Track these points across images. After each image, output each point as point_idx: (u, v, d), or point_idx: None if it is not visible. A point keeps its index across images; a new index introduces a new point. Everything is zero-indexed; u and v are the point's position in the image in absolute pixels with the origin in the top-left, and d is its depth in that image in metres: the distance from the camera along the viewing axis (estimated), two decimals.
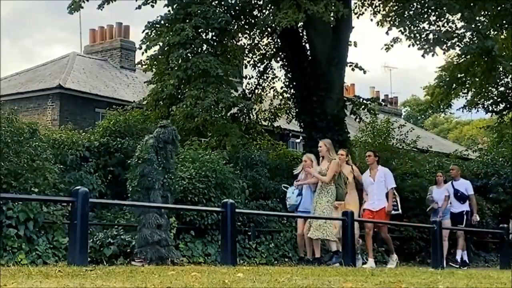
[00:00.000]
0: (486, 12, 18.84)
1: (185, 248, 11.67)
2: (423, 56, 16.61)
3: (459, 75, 22.45)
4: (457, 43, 17.09)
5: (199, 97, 14.66)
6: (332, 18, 15.55)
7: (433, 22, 17.40)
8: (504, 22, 19.77)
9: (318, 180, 10.90)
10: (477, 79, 22.44)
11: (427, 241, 13.53)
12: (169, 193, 10.33)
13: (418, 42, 16.64)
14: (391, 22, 18.51)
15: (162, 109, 15.96)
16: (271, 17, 15.58)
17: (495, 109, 24.01)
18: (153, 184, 10.08)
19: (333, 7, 14.98)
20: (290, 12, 14.71)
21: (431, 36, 16.66)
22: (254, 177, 14.08)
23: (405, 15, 17.38)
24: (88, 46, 26.89)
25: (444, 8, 16.52)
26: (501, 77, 22.69)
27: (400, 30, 17.14)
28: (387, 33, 18.39)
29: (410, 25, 16.82)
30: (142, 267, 6.45)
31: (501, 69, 20.88)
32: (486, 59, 18.58)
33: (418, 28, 16.78)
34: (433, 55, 16.58)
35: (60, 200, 9.92)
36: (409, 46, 16.94)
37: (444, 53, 18.41)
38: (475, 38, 16.72)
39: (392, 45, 18.38)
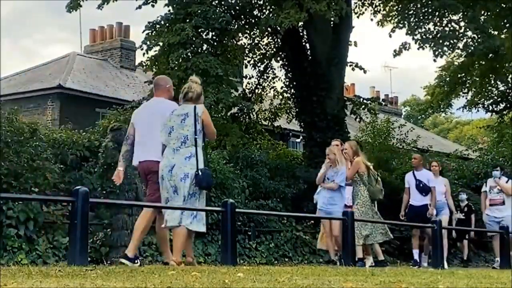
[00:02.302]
0: (487, 12, 18.86)
1: None
2: (434, 60, 16.72)
3: (459, 75, 22.48)
4: (464, 44, 17.16)
5: None
6: (335, 16, 15.50)
7: (437, 24, 17.43)
8: (505, 22, 19.79)
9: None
10: (477, 79, 22.46)
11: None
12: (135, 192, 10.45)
13: (428, 45, 16.69)
14: (396, 24, 18.49)
15: None
16: (272, 17, 15.57)
17: (495, 109, 24.02)
18: (131, 184, 10.19)
19: (335, 6, 14.99)
20: (292, 12, 14.71)
21: (438, 38, 16.72)
22: (254, 177, 14.09)
23: (409, 16, 17.42)
24: (88, 46, 26.89)
25: (447, 8, 16.55)
26: (503, 76, 22.69)
27: (408, 33, 17.17)
28: (390, 35, 18.42)
29: (416, 27, 16.87)
30: (142, 267, 6.45)
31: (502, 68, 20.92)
32: (489, 58, 18.62)
33: (425, 29, 16.86)
34: (441, 56, 16.64)
35: (60, 200, 9.92)
36: (418, 49, 17.00)
37: (452, 51, 18.44)
38: (479, 38, 16.76)
39: (401, 51, 18.34)
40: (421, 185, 12.25)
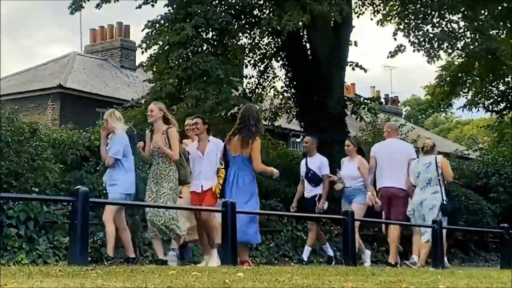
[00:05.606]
0: (486, 12, 18.86)
1: None
2: (428, 62, 16.74)
3: (459, 75, 22.49)
4: (463, 44, 17.18)
5: (199, 97, 14.65)
6: (336, 17, 15.48)
7: (436, 24, 17.43)
8: (505, 22, 19.77)
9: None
10: (478, 79, 22.47)
11: None
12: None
13: (423, 48, 16.73)
14: (398, 26, 18.50)
15: None
16: (274, 18, 15.55)
17: (495, 109, 24.02)
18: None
19: (336, 7, 14.97)
20: (294, 14, 14.68)
21: (435, 41, 16.74)
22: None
23: (409, 15, 17.44)
24: (89, 46, 26.90)
25: (447, 9, 16.57)
26: (503, 76, 22.68)
27: (405, 35, 17.20)
28: (395, 38, 18.46)
29: (414, 29, 16.89)
30: (142, 267, 6.45)
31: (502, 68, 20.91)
32: (488, 58, 18.62)
33: (423, 31, 16.87)
34: (435, 60, 16.69)
35: (60, 199, 9.92)
36: (414, 51, 17.06)
37: (449, 54, 18.45)
38: (478, 39, 16.78)
39: (396, 53, 18.36)
40: (309, 174, 10.56)
